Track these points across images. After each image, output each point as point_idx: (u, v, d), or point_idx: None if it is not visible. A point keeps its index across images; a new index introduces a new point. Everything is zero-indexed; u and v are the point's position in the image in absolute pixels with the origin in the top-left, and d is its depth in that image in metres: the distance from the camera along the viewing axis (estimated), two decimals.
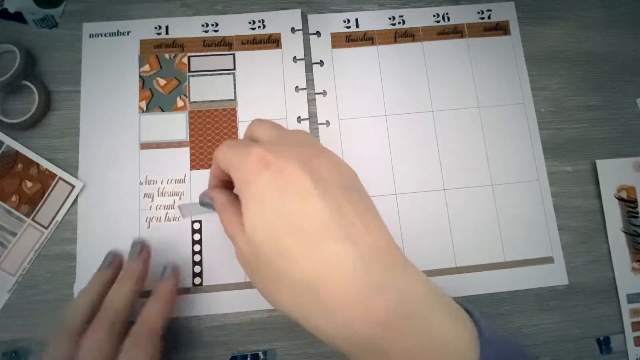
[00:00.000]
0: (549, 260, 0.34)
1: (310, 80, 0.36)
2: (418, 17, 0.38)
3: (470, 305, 0.24)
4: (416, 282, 0.22)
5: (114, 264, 0.30)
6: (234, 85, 0.36)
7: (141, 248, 0.30)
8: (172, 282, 0.30)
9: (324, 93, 0.36)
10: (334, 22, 0.37)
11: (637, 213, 0.35)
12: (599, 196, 0.35)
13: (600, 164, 0.35)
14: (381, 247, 0.22)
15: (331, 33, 0.37)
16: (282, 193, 0.22)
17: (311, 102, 0.36)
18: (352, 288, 0.20)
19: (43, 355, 0.26)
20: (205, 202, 0.29)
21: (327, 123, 0.35)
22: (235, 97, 0.35)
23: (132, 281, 0.28)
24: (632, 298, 0.34)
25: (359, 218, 0.22)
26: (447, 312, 0.22)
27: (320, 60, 0.36)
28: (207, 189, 0.29)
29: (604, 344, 0.33)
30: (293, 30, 0.37)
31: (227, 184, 0.28)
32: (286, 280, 0.21)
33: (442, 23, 0.38)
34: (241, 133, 0.35)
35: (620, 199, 0.35)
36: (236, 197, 0.26)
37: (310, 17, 0.37)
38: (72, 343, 0.26)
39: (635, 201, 0.35)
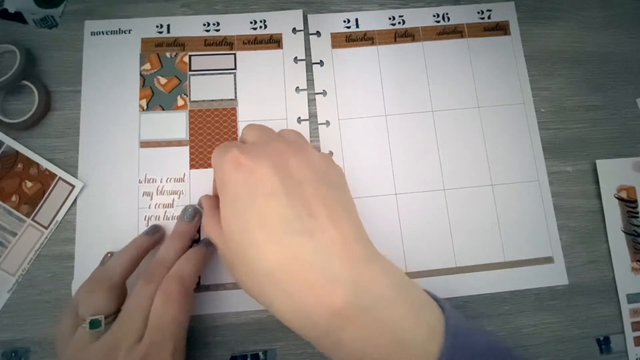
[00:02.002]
0: (549, 260, 0.34)
1: (310, 80, 0.36)
2: (418, 17, 0.38)
3: (443, 299, 0.24)
4: (379, 275, 0.23)
5: (157, 234, 0.31)
6: (235, 85, 0.36)
7: (195, 212, 0.32)
8: (208, 247, 0.31)
9: (324, 93, 0.36)
10: (334, 22, 0.37)
11: (637, 213, 0.35)
12: (599, 196, 0.35)
13: (600, 164, 0.36)
14: (345, 241, 0.23)
15: (331, 33, 0.37)
16: (251, 191, 0.24)
17: (311, 102, 0.36)
18: (308, 277, 0.22)
19: (76, 307, 0.27)
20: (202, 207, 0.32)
21: (327, 123, 0.35)
22: (235, 96, 0.35)
23: (185, 240, 0.30)
24: (632, 298, 0.34)
25: (326, 212, 0.23)
26: (409, 305, 0.22)
27: (320, 60, 0.36)
28: (204, 195, 0.32)
29: (604, 344, 0.33)
30: (294, 30, 0.37)
31: None
32: (253, 268, 0.23)
33: (442, 23, 0.38)
34: (241, 133, 0.35)
35: (620, 199, 0.35)
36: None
37: (310, 17, 0.37)
38: (115, 295, 0.27)
39: (635, 201, 0.35)
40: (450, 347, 0.21)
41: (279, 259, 0.22)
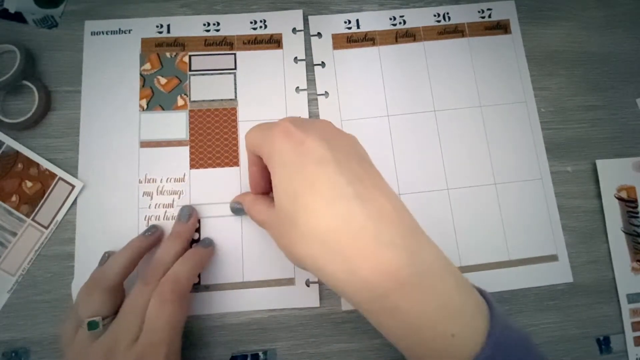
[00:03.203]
0: (553, 258, 0.34)
1: (311, 81, 0.36)
2: (419, 17, 0.38)
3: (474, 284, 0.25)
4: (427, 245, 0.23)
5: (155, 234, 0.31)
6: (235, 85, 0.36)
7: (191, 213, 0.32)
8: (207, 247, 0.32)
9: (326, 94, 0.36)
10: (334, 23, 0.37)
11: (637, 213, 0.35)
12: (599, 196, 0.35)
13: (600, 164, 0.36)
14: (392, 211, 0.23)
15: (332, 34, 0.37)
16: (302, 159, 0.24)
17: (313, 103, 0.36)
18: (362, 240, 0.22)
19: (77, 309, 0.28)
20: (236, 209, 0.32)
21: None
22: (235, 96, 0.35)
23: (182, 241, 0.31)
24: (632, 298, 0.34)
25: (373, 184, 0.24)
26: (457, 278, 0.23)
27: (322, 62, 0.36)
28: (235, 197, 0.33)
29: (604, 344, 0.33)
30: (294, 30, 0.37)
31: (265, 182, 0.30)
32: (305, 233, 0.23)
33: (442, 23, 0.38)
34: (241, 133, 0.35)
35: (620, 199, 0.35)
36: (262, 195, 0.30)
37: (311, 18, 0.37)
38: (112, 297, 0.28)
39: (635, 201, 0.35)
40: (498, 324, 0.22)
41: (332, 223, 0.22)
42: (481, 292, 0.24)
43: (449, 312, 0.22)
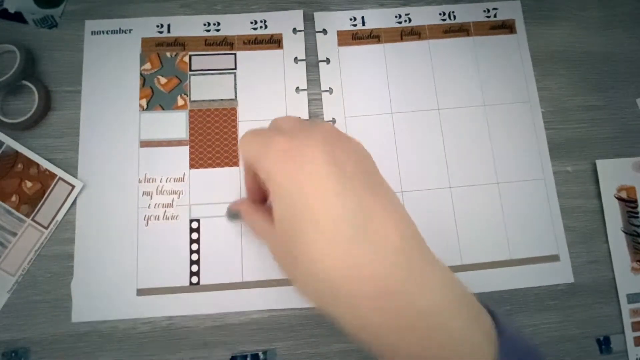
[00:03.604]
0: (554, 258, 0.34)
1: (311, 81, 0.36)
2: (424, 16, 0.38)
3: (493, 305, 0.23)
4: (434, 283, 0.22)
5: None
6: (235, 85, 0.36)
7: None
8: None
9: (330, 91, 0.36)
10: (340, 20, 0.37)
11: (637, 213, 0.35)
12: (599, 196, 0.35)
13: (600, 164, 0.36)
14: (401, 245, 0.22)
15: (337, 31, 0.37)
16: (303, 187, 0.22)
17: (317, 100, 0.36)
18: (365, 287, 0.21)
19: None
20: (232, 215, 0.32)
21: (334, 121, 0.35)
22: (235, 96, 0.35)
23: None
24: (632, 298, 0.34)
25: (381, 210, 0.22)
26: (465, 313, 0.22)
27: (327, 58, 0.36)
28: (232, 202, 0.32)
29: (604, 344, 0.33)
30: (295, 30, 0.37)
31: (262, 189, 0.29)
32: (311, 272, 0.22)
33: (448, 21, 0.38)
34: (241, 133, 0.35)
35: (620, 199, 0.35)
36: (260, 204, 0.29)
37: (316, 14, 0.37)
38: None
39: (635, 201, 0.35)
40: (506, 349, 0.21)
41: (337, 265, 0.21)
42: (490, 311, 0.23)
43: (455, 347, 0.21)
